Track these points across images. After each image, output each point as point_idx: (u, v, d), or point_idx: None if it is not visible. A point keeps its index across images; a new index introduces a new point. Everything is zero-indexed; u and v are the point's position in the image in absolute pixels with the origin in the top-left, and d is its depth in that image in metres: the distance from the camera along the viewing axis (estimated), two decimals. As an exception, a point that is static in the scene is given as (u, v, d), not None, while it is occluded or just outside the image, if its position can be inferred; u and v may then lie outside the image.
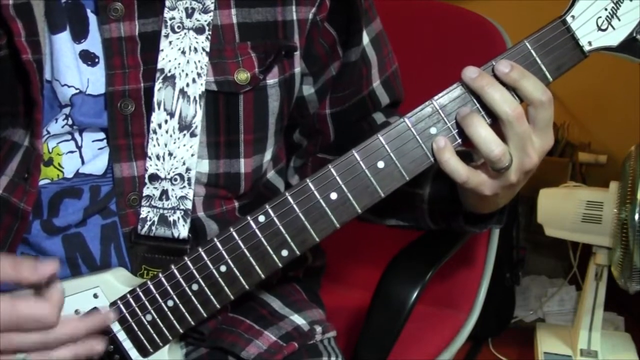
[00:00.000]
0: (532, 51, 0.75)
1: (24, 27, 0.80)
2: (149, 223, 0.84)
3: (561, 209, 1.93)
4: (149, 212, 0.84)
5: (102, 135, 0.86)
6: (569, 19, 0.75)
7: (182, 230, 0.84)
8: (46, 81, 0.82)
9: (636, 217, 1.71)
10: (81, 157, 0.86)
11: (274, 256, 0.78)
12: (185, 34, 0.83)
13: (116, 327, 0.82)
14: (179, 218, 0.84)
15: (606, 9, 0.75)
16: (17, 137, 0.85)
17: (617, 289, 1.89)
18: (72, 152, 0.86)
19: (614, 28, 0.75)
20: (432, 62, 1.36)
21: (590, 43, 0.76)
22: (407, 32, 1.36)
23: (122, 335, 0.82)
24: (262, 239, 0.78)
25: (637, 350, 2.07)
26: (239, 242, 0.78)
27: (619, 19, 0.75)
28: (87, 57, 0.84)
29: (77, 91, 0.83)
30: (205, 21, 0.83)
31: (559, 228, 1.96)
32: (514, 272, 2.30)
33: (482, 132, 0.73)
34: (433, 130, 0.75)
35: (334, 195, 0.76)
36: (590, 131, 2.52)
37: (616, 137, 2.40)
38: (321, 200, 0.77)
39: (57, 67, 0.82)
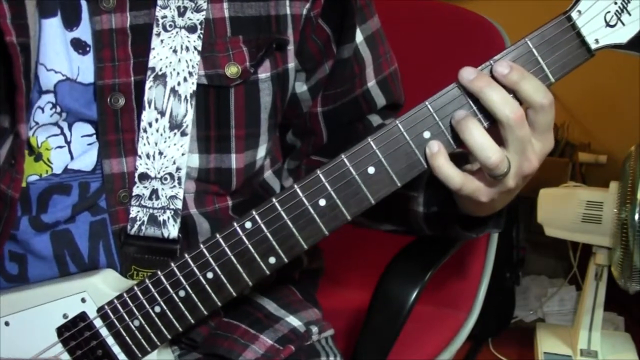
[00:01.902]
0: (534, 50, 0.71)
1: (10, 9, 0.78)
2: (138, 223, 0.83)
3: (561, 209, 1.94)
4: (138, 211, 0.83)
5: (91, 129, 0.85)
6: (574, 14, 0.71)
7: (172, 230, 0.83)
8: (34, 66, 0.81)
9: (636, 217, 1.71)
10: (70, 152, 0.85)
11: (261, 263, 0.77)
12: (177, 32, 0.82)
13: (105, 332, 0.81)
14: (168, 218, 0.83)
15: (616, 3, 0.70)
16: (6, 124, 0.84)
17: (617, 289, 1.90)
18: (60, 147, 0.85)
19: (623, 24, 0.71)
20: (432, 62, 1.36)
21: (597, 41, 0.71)
22: (406, 32, 1.36)
23: (110, 340, 0.81)
24: (249, 245, 0.76)
25: (637, 350, 2.09)
26: (226, 248, 0.77)
27: (630, 14, 0.70)
28: (79, 46, 0.82)
29: (64, 78, 0.82)
30: (198, 20, 0.82)
31: (559, 228, 1.96)
32: (514, 272, 2.31)
33: (478, 137, 0.70)
34: (426, 134, 0.72)
35: (322, 202, 0.74)
36: (590, 131, 2.52)
37: (616, 137, 2.41)
38: (309, 207, 0.74)
39: (45, 52, 0.81)
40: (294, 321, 0.96)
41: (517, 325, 2.41)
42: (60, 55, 0.82)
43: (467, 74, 0.71)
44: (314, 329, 0.96)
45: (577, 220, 1.91)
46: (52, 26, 0.81)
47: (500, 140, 0.72)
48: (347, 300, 1.34)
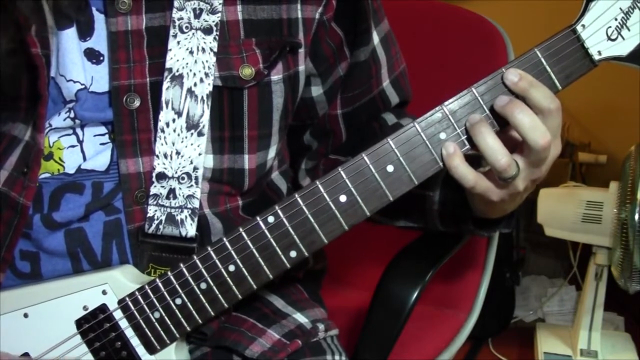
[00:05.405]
0: (542, 59, 0.76)
1: (35, 22, 0.80)
2: (156, 222, 0.84)
3: (561, 209, 1.93)
4: (156, 210, 0.84)
5: (104, 130, 0.86)
6: (579, 28, 0.76)
7: (190, 229, 0.85)
8: (51, 78, 0.83)
9: (636, 217, 1.71)
10: (82, 152, 0.86)
11: (283, 257, 0.79)
12: (193, 34, 0.83)
13: (124, 324, 0.82)
14: (186, 217, 0.84)
15: (616, 19, 0.76)
16: (17, 131, 0.85)
17: (617, 289, 1.89)
18: (73, 146, 0.86)
19: (623, 38, 0.76)
20: (432, 63, 1.36)
21: (599, 52, 0.76)
22: (407, 32, 1.36)
23: (129, 332, 0.82)
24: (271, 239, 0.78)
25: (637, 350, 2.07)
26: (248, 242, 0.79)
27: (629, 29, 0.76)
28: (92, 55, 0.84)
29: (83, 87, 0.83)
30: (213, 22, 0.84)
31: (559, 228, 1.96)
32: (514, 272, 2.30)
33: (489, 141, 0.74)
34: (442, 136, 0.76)
35: (343, 198, 0.77)
36: (590, 131, 2.51)
37: (616, 137, 2.40)
38: (330, 203, 0.77)
39: (63, 63, 0.83)
40: (300, 318, 0.97)
41: (517, 325, 2.39)
42: (77, 65, 0.83)
43: (501, 101, 0.75)
44: (321, 327, 0.97)
45: (577, 220, 1.90)
46: (69, 37, 0.83)
47: (510, 143, 0.76)
48: (348, 300, 1.34)
